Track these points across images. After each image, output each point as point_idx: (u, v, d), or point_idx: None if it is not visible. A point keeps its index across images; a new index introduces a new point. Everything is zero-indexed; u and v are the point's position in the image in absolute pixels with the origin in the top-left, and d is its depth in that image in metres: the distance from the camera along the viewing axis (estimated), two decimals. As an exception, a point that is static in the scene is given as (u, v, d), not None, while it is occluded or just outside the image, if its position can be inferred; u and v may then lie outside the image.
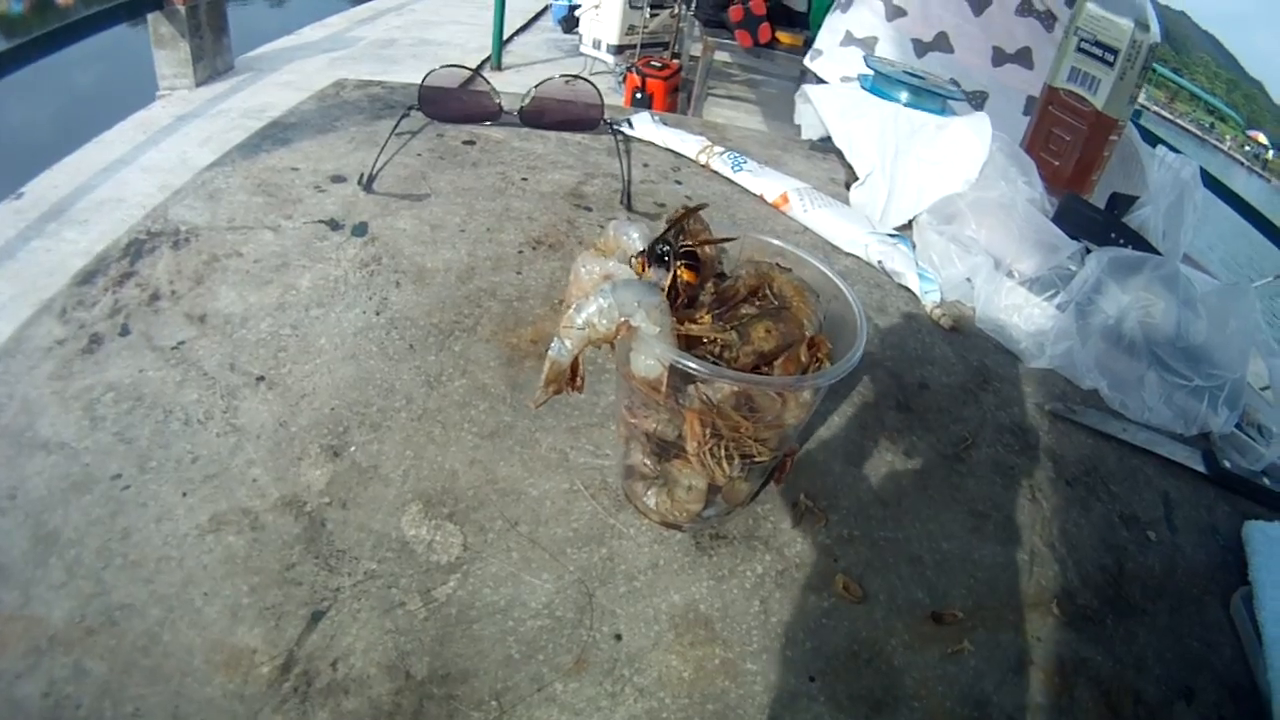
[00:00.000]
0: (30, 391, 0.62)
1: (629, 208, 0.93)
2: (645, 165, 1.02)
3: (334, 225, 0.81)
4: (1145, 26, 0.94)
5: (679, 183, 1.01)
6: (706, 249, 0.54)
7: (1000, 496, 0.69)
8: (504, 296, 0.78)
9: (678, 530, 0.59)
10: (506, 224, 0.87)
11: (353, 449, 0.61)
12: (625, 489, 0.60)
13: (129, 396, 0.63)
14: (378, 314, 0.73)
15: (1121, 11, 0.94)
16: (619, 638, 0.53)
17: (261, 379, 0.65)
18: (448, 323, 0.74)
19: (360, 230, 0.81)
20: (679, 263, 0.48)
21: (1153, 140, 1.17)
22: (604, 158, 1.06)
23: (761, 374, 0.48)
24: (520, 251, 0.83)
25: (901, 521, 0.64)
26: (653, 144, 1.08)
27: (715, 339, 0.47)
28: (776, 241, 0.55)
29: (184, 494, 0.57)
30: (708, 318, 0.48)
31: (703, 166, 1.04)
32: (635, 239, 0.49)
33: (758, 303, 0.51)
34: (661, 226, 0.53)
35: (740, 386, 0.46)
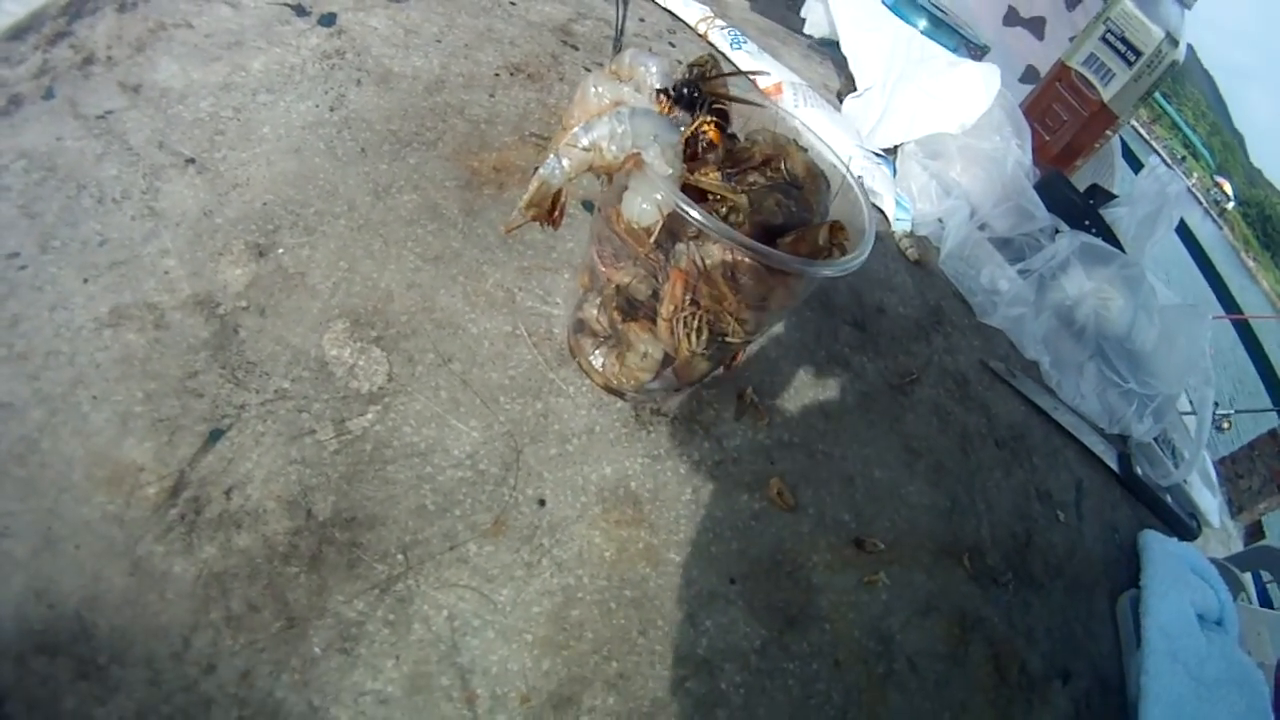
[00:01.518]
0: (-68, 152, 0.49)
1: (618, 59, 0.82)
2: (641, 20, 0.90)
3: (300, 10, 0.67)
4: (1174, 42, 0.88)
5: (673, 44, 0.89)
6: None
7: (935, 439, 0.64)
8: (472, 116, 0.67)
9: (619, 397, 0.52)
10: (487, 44, 0.75)
11: (280, 251, 0.51)
12: (571, 343, 0.53)
13: (41, 166, 0.51)
14: (332, 110, 0.61)
15: (1156, 19, 0.88)
16: (543, 503, 0.46)
17: (191, 161, 0.54)
18: (407, 133, 0.62)
19: (328, 20, 0.68)
20: (708, 117, 0.39)
21: (1126, 153, 1.14)
22: (599, 1, 0.94)
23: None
24: (497, 75, 0.71)
25: (840, 439, 0.59)
26: (653, 0, 0.96)
27: (726, 198, 0.39)
28: (797, 121, 0.47)
29: (85, 280, 0.46)
30: (715, 175, 0.40)
31: (700, 36, 0.93)
32: (654, 72, 0.40)
33: (770, 174, 0.43)
34: (682, 65, 0.43)
35: (740, 255, 0.38)
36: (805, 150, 0.45)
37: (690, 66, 0.44)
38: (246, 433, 0.43)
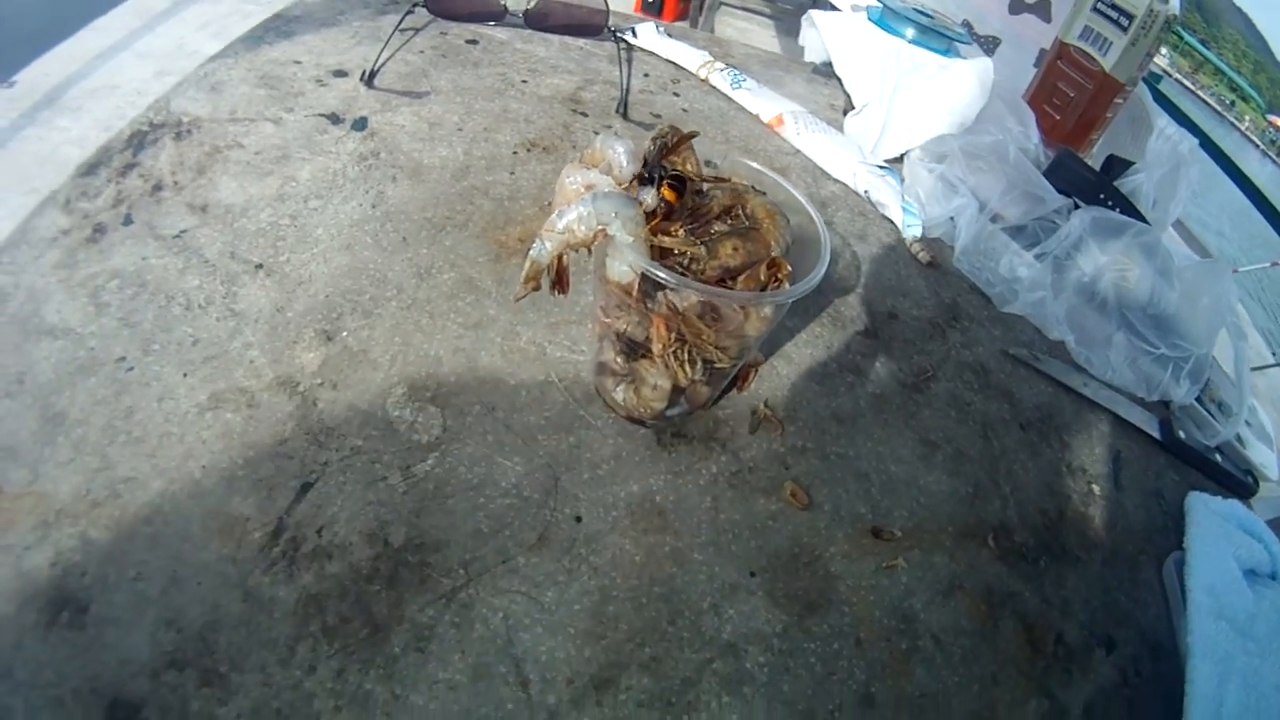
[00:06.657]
0: (37, 280, 0.66)
1: (625, 117, 0.99)
2: (645, 75, 1.07)
3: (334, 119, 0.87)
4: (1165, -3, 0.97)
5: (677, 94, 1.06)
6: (689, 167, 0.60)
7: (953, 430, 0.76)
8: (496, 195, 0.84)
9: (641, 425, 0.66)
10: (503, 125, 0.93)
11: (345, 334, 0.68)
12: (596, 383, 0.67)
13: (133, 283, 0.67)
14: (374, 207, 0.79)
15: (1143, -22, 0.97)
16: (579, 520, 0.60)
17: (260, 267, 0.71)
18: (440, 218, 0.80)
19: (360, 125, 0.87)
20: (665, 179, 0.54)
21: (1172, 109, 1.21)
22: (605, 65, 1.11)
23: (725, 288, 0.55)
24: (515, 153, 0.89)
25: (854, 439, 0.72)
26: (655, 54, 1.12)
27: (685, 251, 0.53)
28: (755, 165, 0.61)
29: (185, 374, 0.62)
30: (680, 231, 0.55)
31: (702, 81, 1.08)
32: (621, 153, 0.55)
33: (729, 221, 0.57)
34: (647, 140, 0.58)
35: (703, 297, 0.53)
36: (763, 193, 0.59)
37: (653, 139, 0.59)
38: (331, 483, 0.58)
